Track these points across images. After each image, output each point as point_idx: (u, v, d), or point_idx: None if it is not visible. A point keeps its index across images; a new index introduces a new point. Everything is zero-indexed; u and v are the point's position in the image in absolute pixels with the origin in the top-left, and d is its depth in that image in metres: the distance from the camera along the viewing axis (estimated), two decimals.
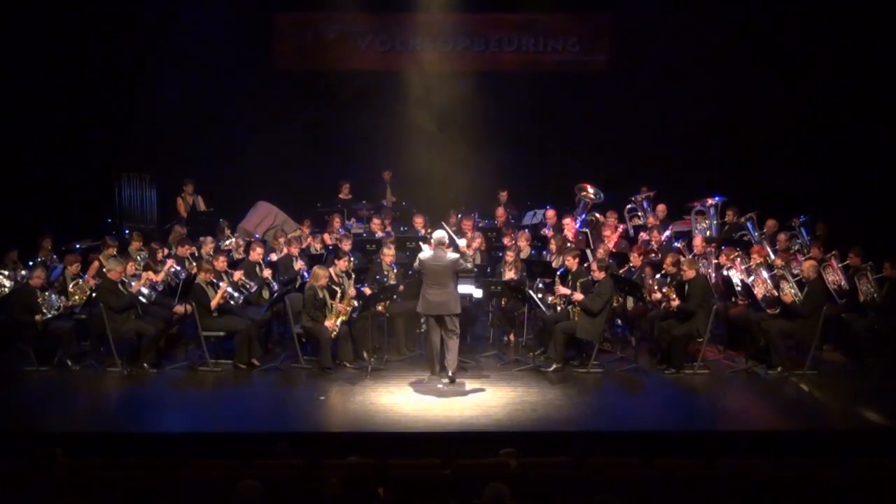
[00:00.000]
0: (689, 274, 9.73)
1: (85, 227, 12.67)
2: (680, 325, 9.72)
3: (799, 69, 14.12)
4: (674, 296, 9.72)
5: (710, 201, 12.33)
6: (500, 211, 12.66)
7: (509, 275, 10.48)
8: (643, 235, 11.83)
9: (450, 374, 9.23)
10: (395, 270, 10.33)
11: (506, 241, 11.34)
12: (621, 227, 12.22)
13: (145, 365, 9.68)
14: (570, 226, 11.72)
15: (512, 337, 10.55)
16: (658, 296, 9.89)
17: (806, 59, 14.04)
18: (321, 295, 9.66)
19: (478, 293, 10.17)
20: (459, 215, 12.21)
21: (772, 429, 8.49)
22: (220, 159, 14.42)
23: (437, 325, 9.30)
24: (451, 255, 9.31)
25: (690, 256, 10.67)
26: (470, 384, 9.31)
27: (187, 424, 8.62)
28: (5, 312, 9.85)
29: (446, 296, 9.18)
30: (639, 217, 12.66)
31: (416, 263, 9.38)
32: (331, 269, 10.00)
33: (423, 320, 10.26)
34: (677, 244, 11.44)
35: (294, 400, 9.00)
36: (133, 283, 9.85)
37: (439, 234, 9.41)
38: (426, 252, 9.42)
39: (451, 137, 14.73)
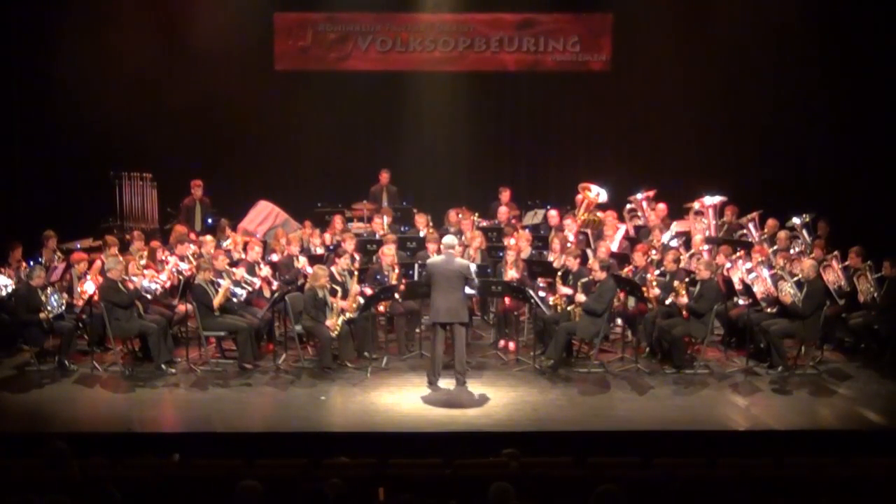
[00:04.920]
0: (704, 274, 9.73)
1: (85, 227, 12.67)
2: (680, 324, 9.72)
3: (799, 68, 14.15)
4: (683, 292, 9.70)
5: (709, 201, 12.32)
6: (503, 209, 12.64)
7: (510, 274, 10.46)
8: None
9: (459, 377, 9.22)
10: (395, 271, 10.32)
11: (506, 240, 11.31)
12: (623, 227, 12.18)
13: (146, 364, 9.69)
14: (571, 226, 11.70)
15: (512, 345, 10.50)
16: (657, 292, 9.87)
17: (806, 58, 14.06)
18: (321, 295, 9.66)
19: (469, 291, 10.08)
20: (459, 215, 12.19)
21: (772, 429, 8.50)
22: (221, 159, 14.43)
23: (442, 333, 9.21)
24: (461, 260, 9.31)
25: (707, 257, 10.64)
26: (470, 384, 9.30)
27: (189, 424, 8.65)
28: (8, 313, 9.83)
29: (455, 302, 9.10)
30: (639, 217, 12.64)
31: (426, 269, 9.35)
32: (333, 268, 10.00)
33: (422, 320, 10.33)
34: (674, 243, 11.42)
35: (294, 400, 9.00)
36: (135, 280, 9.83)
37: (449, 239, 9.40)
38: (435, 257, 9.45)
39: (452, 137, 14.75)
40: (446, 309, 9.09)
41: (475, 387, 9.26)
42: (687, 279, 9.92)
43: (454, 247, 9.31)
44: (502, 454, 6.70)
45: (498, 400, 8.93)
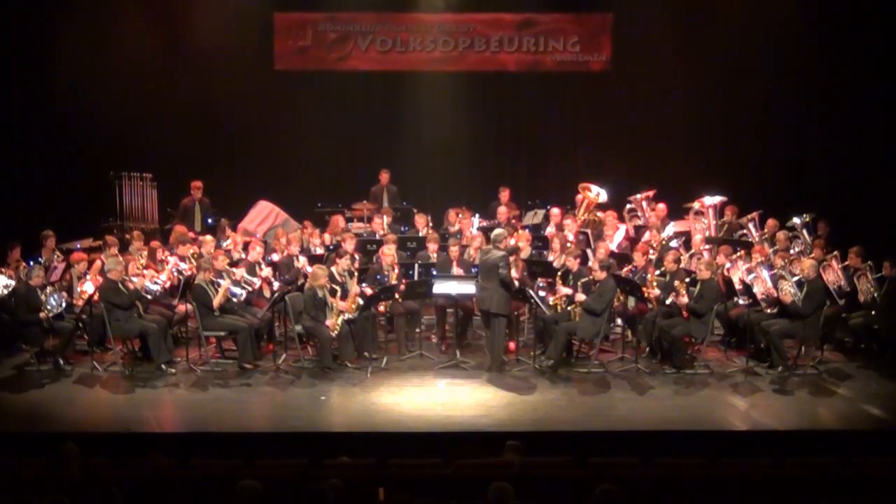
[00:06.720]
0: (705, 274, 9.73)
1: (85, 227, 12.67)
2: (680, 324, 9.71)
3: (799, 68, 14.14)
4: (684, 291, 9.70)
5: (709, 201, 12.32)
6: (503, 209, 12.65)
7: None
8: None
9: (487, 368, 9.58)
10: (395, 271, 10.33)
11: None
12: (623, 226, 12.17)
13: (146, 364, 9.68)
14: (571, 226, 11.70)
15: (512, 345, 10.48)
16: (657, 292, 9.86)
17: (806, 58, 14.06)
18: (321, 294, 9.66)
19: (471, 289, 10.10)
20: (459, 215, 12.20)
21: (772, 429, 8.50)
22: (221, 159, 14.43)
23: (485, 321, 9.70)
24: (498, 253, 9.60)
25: (707, 257, 10.64)
26: (470, 384, 9.32)
27: (187, 424, 8.65)
28: (8, 312, 9.83)
29: (488, 292, 9.59)
30: (639, 217, 12.64)
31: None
32: (332, 268, 10.00)
33: (422, 320, 10.39)
34: (674, 243, 11.42)
35: (294, 400, 9.00)
36: (136, 280, 9.83)
37: (495, 233, 9.85)
38: (485, 247, 9.97)
39: (452, 137, 14.76)
40: (480, 298, 9.72)
41: (475, 387, 9.27)
42: (687, 279, 9.92)
43: (498, 242, 9.71)
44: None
45: (498, 400, 8.94)
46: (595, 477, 5.91)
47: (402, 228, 12.53)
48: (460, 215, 12.17)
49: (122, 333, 9.76)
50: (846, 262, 10.45)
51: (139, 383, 9.34)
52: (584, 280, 9.85)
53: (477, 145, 14.93)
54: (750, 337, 9.88)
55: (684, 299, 9.68)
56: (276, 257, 10.93)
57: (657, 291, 9.87)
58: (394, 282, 10.16)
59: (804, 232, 11.87)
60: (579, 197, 12.55)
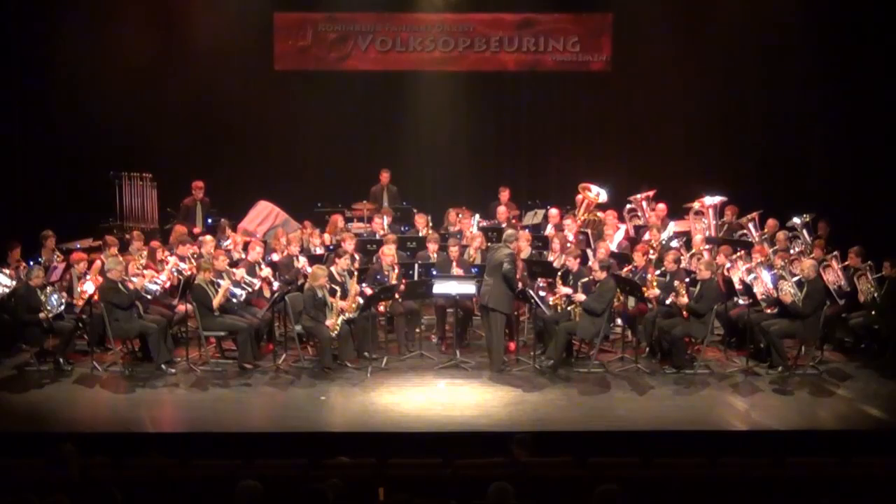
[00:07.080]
0: (705, 274, 9.73)
1: (85, 227, 12.67)
2: (680, 324, 9.71)
3: (799, 67, 14.15)
4: (684, 291, 9.70)
5: (709, 201, 12.32)
6: (503, 209, 12.65)
7: None
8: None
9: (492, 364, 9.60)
10: (395, 270, 10.33)
11: None
12: (623, 226, 12.17)
13: (146, 364, 9.68)
14: (571, 226, 11.70)
15: (512, 345, 10.48)
16: (657, 292, 9.85)
17: (805, 58, 14.06)
18: (321, 295, 9.66)
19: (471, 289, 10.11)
20: (459, 215, 12.21)
21: (772, 429, 8.50)
22: (221, 159, 14.44)
23: (485, 318, 9.75)
24: (506, 251, 9.63)
25: (707, 257, 10.64)
26: (470, 384, 9.31)
27: (189, 424, 8.65)
28: (8, 312, 9.83)
29: (489, 287, 9.60)
30: (639, 217, 12.64)
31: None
32: (332, 268, 10.00)
33: (422, 320, 10.35)
34: (674, 243, 11.42)
35: (294, 400, 9.00)
36: (135, 280, 9.83)
37: (507, 233, 9.93)
38: (494, 244, 10.13)
39: (452, 137, 14.77)
40: (483, 291, 9.68)
41: (475, 387, 9.27)
42: (687, 279, 9.92)
43: (508, 242, 9.73)
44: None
45: (498, 400, 8.93)
46: (595, 477, 5.92)
47: (402, 228, 12.53)
48: (460, 215, 12.17)
49: (122, 333, 9.75)
50: (846, 262, 10.44)
51: (139, 383, 9.34)
52: (584, 280, 9.85)
53: (477, 145, 14.95)
54: (750, 337, 9.88)
55: (684, 299, 9.67)
56: (276, 257, 10.93)
57: (657, 291, 9.86)
58: (394, 282, 10.16)
59: (804, 232, 11.87)
60: (579, 197, 12.55)
